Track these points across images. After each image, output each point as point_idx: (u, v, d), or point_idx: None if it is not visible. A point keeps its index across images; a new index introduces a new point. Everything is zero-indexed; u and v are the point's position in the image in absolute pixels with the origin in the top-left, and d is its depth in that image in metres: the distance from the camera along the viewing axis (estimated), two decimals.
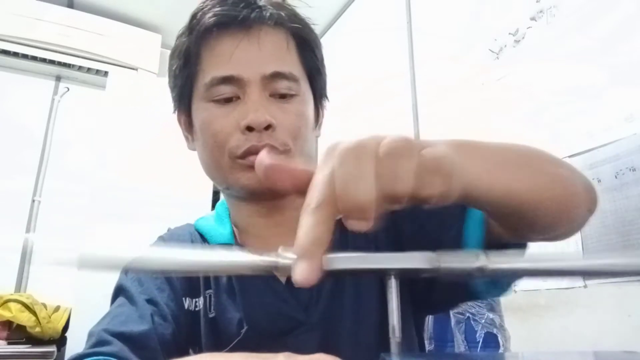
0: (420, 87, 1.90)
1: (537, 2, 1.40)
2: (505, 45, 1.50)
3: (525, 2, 1.44)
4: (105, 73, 2.51)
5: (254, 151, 0.54)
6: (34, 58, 2.43)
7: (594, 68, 1.21)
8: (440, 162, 0.31)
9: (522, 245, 0.47)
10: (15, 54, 2.40)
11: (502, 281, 0.50)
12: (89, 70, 2.57)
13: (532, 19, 1.41)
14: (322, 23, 2.62)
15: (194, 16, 0.59)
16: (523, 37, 1.44)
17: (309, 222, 0.29)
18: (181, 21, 0.61)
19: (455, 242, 0.49)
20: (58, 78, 2.63)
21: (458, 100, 1.67)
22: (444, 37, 1.81)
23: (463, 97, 1.64)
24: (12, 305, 1.97)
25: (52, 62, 2.48)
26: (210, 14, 0.57)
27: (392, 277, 0.28)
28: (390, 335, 0.28)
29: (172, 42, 0.62)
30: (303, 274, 0.28)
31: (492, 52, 1.54)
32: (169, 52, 0.64)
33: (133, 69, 2.59)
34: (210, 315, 0.57)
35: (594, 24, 1.23)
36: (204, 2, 0.59)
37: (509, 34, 1.49)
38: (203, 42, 0.58)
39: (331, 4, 2.52)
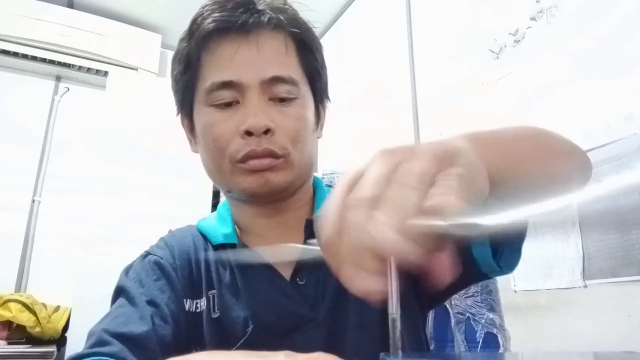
0: (420, 87, 1.89)
1: (537, 2, 1.40)
2: (505, 45, 1.50)
3: (525, 2, 1.44)
4: (105, 73, 2.51)
5: (253, 155, 0.55)
6: (34, 58, 2.43)
7: (594, 68, 1.21)
8: (477, 163, 0.31)
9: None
10: (15, 54, 2.40)
11: (504, 252, 0.50)
12: (89, 70, 2.57)
13: (532, 19, 1.41)
14: (322, 24, 2.62)
15: (194, 21, 0.59)
16: (523, 37, 1.44)
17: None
18: (181, 21, 0.61)
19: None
20: (58, 78, 2.63)
21: (458, 100, 1.67)
22: (444, 37, 1.81)
23: (463, 97, 1.64)
24: (12, 305, 1.97)
25: (52, 62, 2.47)
26: (209, 20, 0.57)
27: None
28: (389, 312, 0.28)
29: (172, 42, 0.62)
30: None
31: (492, 52, 1.54)
32: (169, 52, 0.64)
33: (133, 69, 2.59)
34: (214, 316, 0.57)
35: (594, 24, 1.23)
36: (203, 7, 0.59)
37: (509, 34, 1.48)
38: (203, 47, 0.58)
39: (331, 5, 2.52)
